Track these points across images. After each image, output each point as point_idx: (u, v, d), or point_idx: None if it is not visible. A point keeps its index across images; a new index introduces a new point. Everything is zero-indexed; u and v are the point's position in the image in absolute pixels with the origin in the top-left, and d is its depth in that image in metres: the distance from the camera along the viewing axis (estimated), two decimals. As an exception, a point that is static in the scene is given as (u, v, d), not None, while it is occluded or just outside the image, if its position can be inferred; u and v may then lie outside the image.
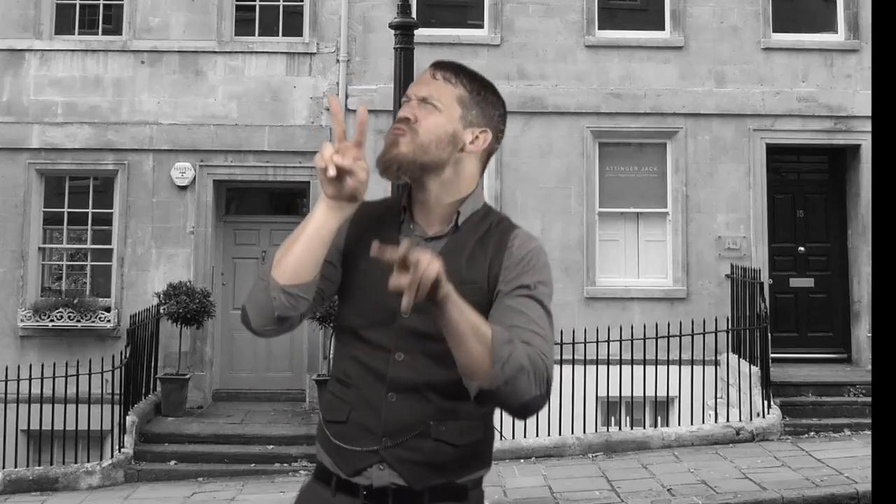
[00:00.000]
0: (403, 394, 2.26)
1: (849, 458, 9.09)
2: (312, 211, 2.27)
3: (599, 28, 13.47)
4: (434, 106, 2.33)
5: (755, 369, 11.00)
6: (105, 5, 13.78)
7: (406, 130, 2.31)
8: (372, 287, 2.29)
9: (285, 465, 10.64)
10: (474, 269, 2.27)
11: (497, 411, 2.35)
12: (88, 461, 10.78)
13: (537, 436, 10.37)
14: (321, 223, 2.24)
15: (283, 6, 13.71)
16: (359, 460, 2.27)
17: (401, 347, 2.27)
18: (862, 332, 12.86)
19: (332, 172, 2.17)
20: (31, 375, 11.29)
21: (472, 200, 2.37)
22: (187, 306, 11.97)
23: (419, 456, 2.24)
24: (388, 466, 2.24)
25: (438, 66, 2.42)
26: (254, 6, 13.73)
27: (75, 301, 12.81)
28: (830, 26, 13.56)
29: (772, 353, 11.34)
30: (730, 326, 11.92)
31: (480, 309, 2.18)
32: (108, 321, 12.83)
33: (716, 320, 11.68)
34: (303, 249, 2.24)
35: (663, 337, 11.07)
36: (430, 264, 1.99)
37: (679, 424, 11.45)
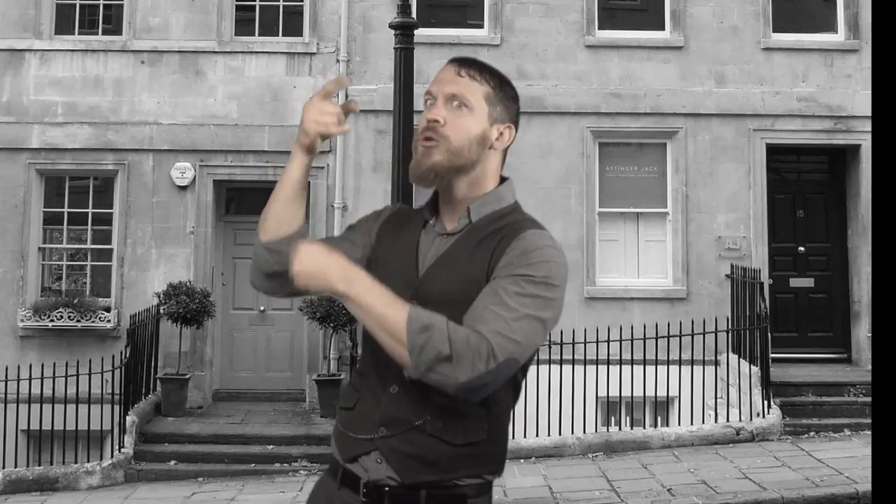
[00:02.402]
0: (405, 386, 2.26)
1: (849, 458, 9.09)
2: (289, 167, 2.36)
3: (599, 28, 13.47)
4: (465, 105, 2.33)
5: (755, 369, 10.99)
6: (105, 5, 13.77)
7: (436, 138, 2.31)
8: (388, 281, 2.32)
9: (285, 465, 10.64)
10: (476, 265, 2.27)
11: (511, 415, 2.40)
12: (88, 461, 10.78)
13: (537, 436, 10.37)
14: (300, 175, 2.36)
15: (283, 6, 13.71)
16: (355, 447, 2.30)
17: None
18: (862, 332, 12.86)
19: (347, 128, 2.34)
20: (31, 375, 11.29)
21: (494, 198, 2.38)
22: (187, 306, 11.97)
23: (412, 449, 2.23)
24: (384, 459, 2.25)
25: (462, 63, 2.40)
26: (254, 6, 13.73)
27: (75, 301, 12.81)
28: (830, 26, 13.56)
29: (772, 353, 11.34)
30: (730, 326, 11.91)
31: None
32: (108, 321, 12.83)
33: (716, 320, 11.68)
34: (281, 205, 2.37)
35: (663, 337, 11.06)
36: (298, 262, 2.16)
37: (679, 424, 11.45)
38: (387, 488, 2.25)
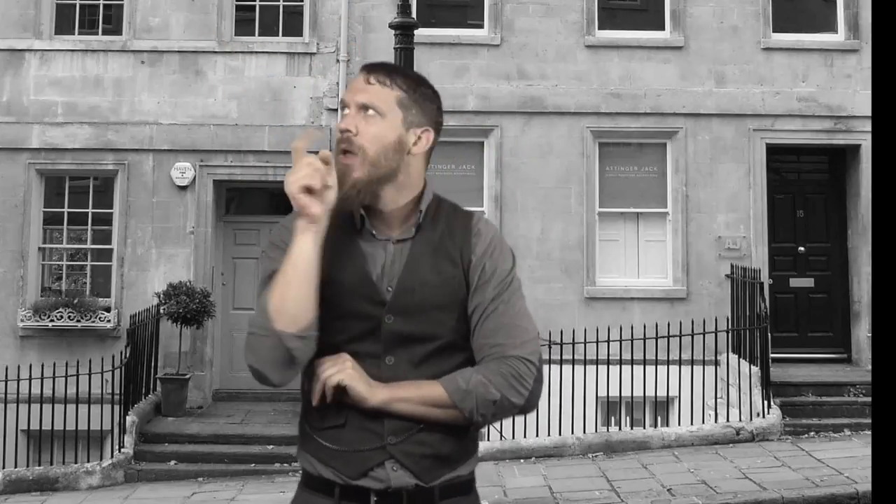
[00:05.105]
0: None
1: (849, 458, 9.09)
2: (296, 246, 2.17)
3: (599, 28, 13.46)
4: (376, 112, 2.29)
5: (755, 369, 10.99)
6: (105, 5, 13.78)
7: (353, 150, 2.27)
8: (347, 300, 2.28)
9: (285, 465, 10.65)
10: (449, 263, 2.30)
11: None
12: (88, 461, 10.78)
13: (537, 436, 10.36)
14: (312, 253, 2.18)
15: (283, 6, 13.71)
16: (364, 461, 2.25)
17: (390, 352, 2.27)
18: (862, 332, 12.86)
19: (331, 182, 2.20)
20: (31, 375, 11.29)
21: (427, 195, 2.37)
22: (187, 306, 11.97)
23: (426, 449, 2.24)
24: (401, 465, 2.24)
25: (371, 69, 2.36)
26: (254, 6, 13.73)
27: (75, 301, 12.81)
28: (830, 26, 13.56)
29: (772, 353, 11.34)
30: (730, 326, 11.91)
31: (460, 296, 2.27)
32: (108, 321, 12.83)
33: (716, 320, 11.68)
34: (306, 290, 2.17)
35: (663, 337, 11.06)
36: (330, 374, 2.20)
37: (679, 424, 11.45)
38: (404, 493, 2.25)
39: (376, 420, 2.24)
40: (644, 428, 11.19)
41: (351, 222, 2.34)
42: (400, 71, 2.38)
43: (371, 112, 2.29)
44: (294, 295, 2.16)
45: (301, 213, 2.19)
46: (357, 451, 2.25)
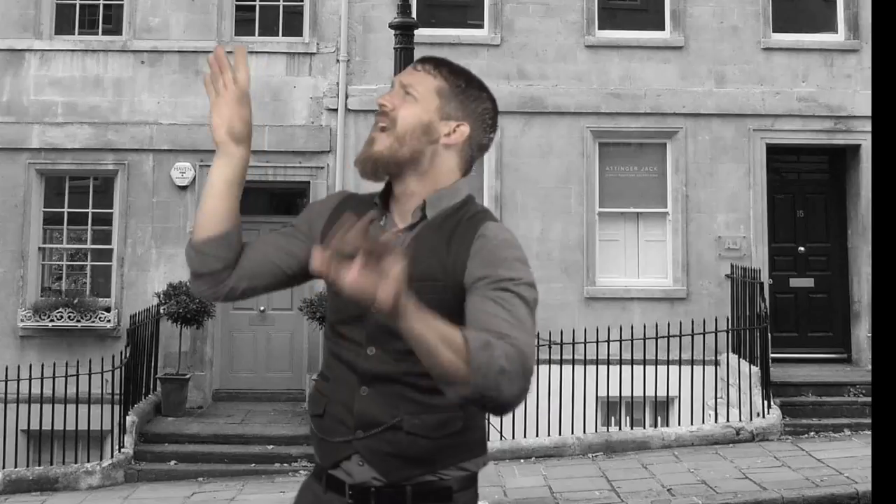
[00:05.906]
0: (375, 388, 2.24)
1: (849, 458, 9.09)
2: (211, 168, 2.42)
3: (599, 28, 13.47)
4: (412, 95, 2.32)
5: (755, 369, 11.00)
6: (105, 5, 13.78)
7: (386, 123, 2.31)
8: None
9: (285, 465, 10.64)
10: (437, 263, 2.23)
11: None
12: (88, 461, 10.78)
13: (537, 436, 10.37)
14: (221, 173, 2.43)
15: (283, 6, 13.71)
16: (335, 452, 2.28)
17: (373, 342, 2.25)
18: (862, 332, 12.86)
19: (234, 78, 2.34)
20: (31, 375, 11.29)
21: (448, 194, 2.34)
22: (187, 306, 11.97)
23: (392, 448, 2.22)
24: (366, 461, 2.24)
25: (425, 59, 2.41)
26: (254, 6, 13.73)
27: (75, 301, 12.81)
28: (830, 26, 13.56)
29: (772, 353, 11.34)
30: (730, 326, 11.91)
31: (445, 305, 2.11)
32: (108, 321, 12.83)
33: (716, 320, 11.68)
34: (208, 207, 2.42)
35: (663, 337, 11.06)
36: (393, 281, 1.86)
37: (679, 424, 11.45)
38: (372, 489, 2.25)
39: (348, 413, 2.25)
40: (644, 428, 11.19)
41: (369, 209, 2.34)
42: (452, 66, 2.39)
43: (410, 94, 2.33)
44: (203, 207, 2.42)
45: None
46: (331, 442, 2.28)
